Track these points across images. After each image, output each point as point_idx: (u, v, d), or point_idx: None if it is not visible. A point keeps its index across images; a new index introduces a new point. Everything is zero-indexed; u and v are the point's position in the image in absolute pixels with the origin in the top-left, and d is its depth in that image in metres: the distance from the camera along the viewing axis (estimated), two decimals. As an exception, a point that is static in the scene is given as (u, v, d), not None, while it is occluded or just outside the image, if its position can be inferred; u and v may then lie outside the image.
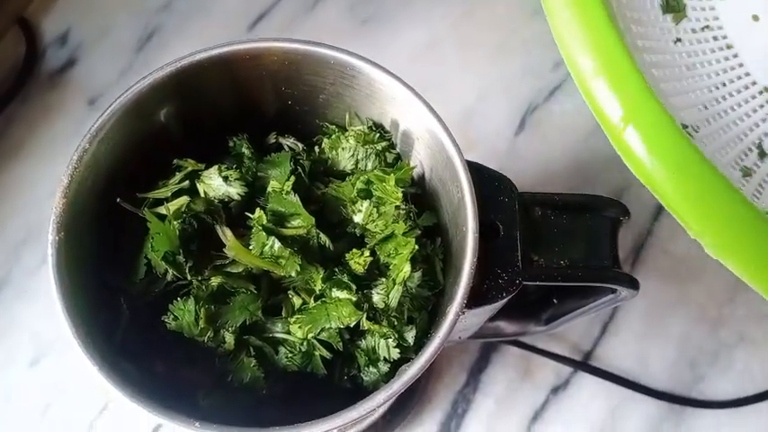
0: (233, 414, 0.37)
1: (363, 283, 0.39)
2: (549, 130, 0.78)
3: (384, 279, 0.38)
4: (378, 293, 0.38)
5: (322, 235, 0.38)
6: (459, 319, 0.34)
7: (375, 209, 0.39)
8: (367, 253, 0.38)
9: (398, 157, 0.42)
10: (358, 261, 0.38)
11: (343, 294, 0.37)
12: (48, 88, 0.77)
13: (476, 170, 0.36)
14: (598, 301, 0.42)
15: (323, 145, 0.43)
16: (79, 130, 0.35)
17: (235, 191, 0.38)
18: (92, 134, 0.36)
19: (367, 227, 0.40)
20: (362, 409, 0.31)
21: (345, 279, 0.38)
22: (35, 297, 0.68)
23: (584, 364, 0.68)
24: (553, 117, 0.79)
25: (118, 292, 0.37)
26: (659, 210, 0.75)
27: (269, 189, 0.39)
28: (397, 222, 0.39)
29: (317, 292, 0.38)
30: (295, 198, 0.38)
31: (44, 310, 0.67)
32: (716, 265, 0.74)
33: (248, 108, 0.43)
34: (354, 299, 0.37)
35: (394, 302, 0.38)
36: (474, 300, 0.34)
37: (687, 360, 0.71)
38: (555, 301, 0.47)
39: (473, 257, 0.34)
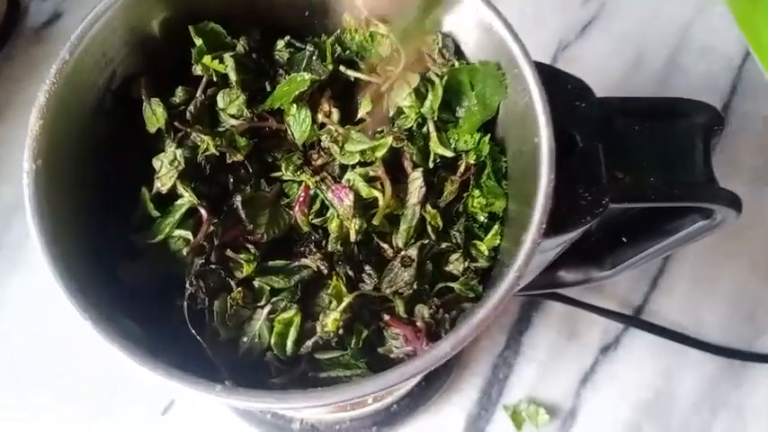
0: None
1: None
2: (583, 69, 0.69)
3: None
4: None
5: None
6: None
7: None
8: None
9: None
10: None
11: None
12: (33, 44, 0.70)
13: (543, 71, 0.30)
14: (682, 233, 0.36)
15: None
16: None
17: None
18: (72, 43, 0.29)
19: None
20: (429, 358, 0.25)
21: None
22: (27, 268, 0.62)
23: (635, 319, 0.62)
24: (586, 55, 0.72)
25: (112, 235, 0.30)
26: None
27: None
28: None
29: None
30: None
31: (37, 281, 0.61)
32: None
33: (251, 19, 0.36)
34: None
35: None
36: (553, 226, 0.28)
37: (744, 314, 0.64)
38: (624, 239, 0.41)
39: (550, 173, 0.27)
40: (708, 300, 0.64)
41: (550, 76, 0.29)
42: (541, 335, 0.62)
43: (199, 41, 0.33)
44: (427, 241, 0.32)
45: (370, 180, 0.32)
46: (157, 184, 0.30)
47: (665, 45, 0.73)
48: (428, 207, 0.32)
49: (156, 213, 0.30)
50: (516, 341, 0.62)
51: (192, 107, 0.31)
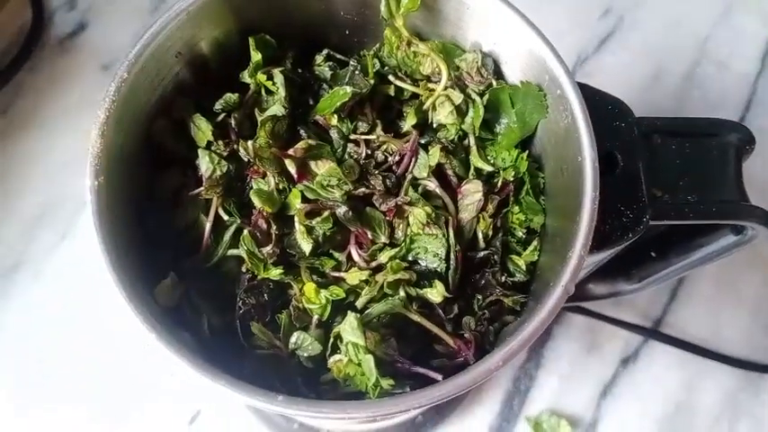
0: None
1: None
2: (603, 83, 0.71)
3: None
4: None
5: None
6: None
7: None
8: None
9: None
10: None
11: None
12: (58, 55, 0.71)
13: (583, 90, 0.31)
14: (712, 248, 0.36)
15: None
16: (94, 97, 0.31)
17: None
18: (130, 62, 0.30)
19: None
20: (481, 371, 0.26)
21: None
22: (53, 278, 0.62)
23: (655, 332, 0.62)
24: (606, 68, 0.73)
25: (163, 244, 0.31)
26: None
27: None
28: None
29: None
30: None
31: (62, 291, 0.62)
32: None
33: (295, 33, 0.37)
34: None
35: None
36: (596, 243, 0.28)
37: (764, 325, 0.65)
38: (653, 254, 0.41)
39: (595, 192, 0.28)
40: (727, 311, 0.65)
41: (590, 96, 0.30)
42: (562, 347, 0.63)
43: (258, 56, 0.34)
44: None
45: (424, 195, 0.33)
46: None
47: (682, 59, 0.74)
48: (484, 215, 0.33)
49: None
50: (537, 353, 0.62)
51: (232, 119, 0.33)
